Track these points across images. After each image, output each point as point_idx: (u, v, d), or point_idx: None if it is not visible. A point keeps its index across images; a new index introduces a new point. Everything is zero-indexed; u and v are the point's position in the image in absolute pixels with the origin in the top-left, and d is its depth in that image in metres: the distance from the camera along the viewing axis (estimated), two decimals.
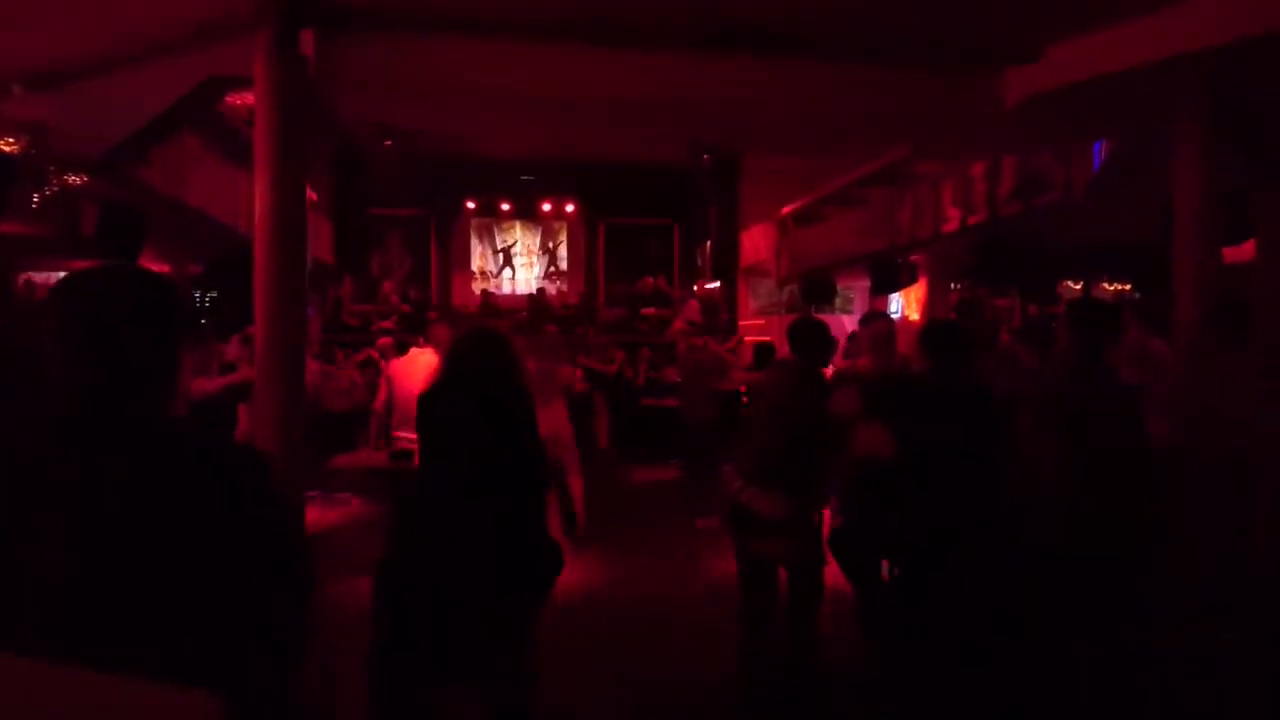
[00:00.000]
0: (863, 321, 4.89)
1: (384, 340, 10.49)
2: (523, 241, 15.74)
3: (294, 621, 1.49)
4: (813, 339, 4.05)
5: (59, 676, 1.12)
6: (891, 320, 4.93)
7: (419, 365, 5.78)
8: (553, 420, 6.27)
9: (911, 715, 3.66)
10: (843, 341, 6.10)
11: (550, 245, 15.78)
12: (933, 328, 4.10)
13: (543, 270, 15.71)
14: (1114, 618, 3.40)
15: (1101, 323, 3.59)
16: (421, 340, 6.14)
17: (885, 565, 4.15)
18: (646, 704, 4.08)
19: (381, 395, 6.84)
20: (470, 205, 14.90)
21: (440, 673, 2.87)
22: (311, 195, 7.47)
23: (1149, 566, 3.49)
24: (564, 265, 15.74)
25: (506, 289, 15.36)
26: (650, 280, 14.36)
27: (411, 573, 2.85)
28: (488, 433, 2.89)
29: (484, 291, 14.74)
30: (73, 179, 6.51)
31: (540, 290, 14.79)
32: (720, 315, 12.87)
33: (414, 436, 5.63)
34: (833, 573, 4.03)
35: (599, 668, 4.52)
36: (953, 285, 10.41)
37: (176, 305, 1.45)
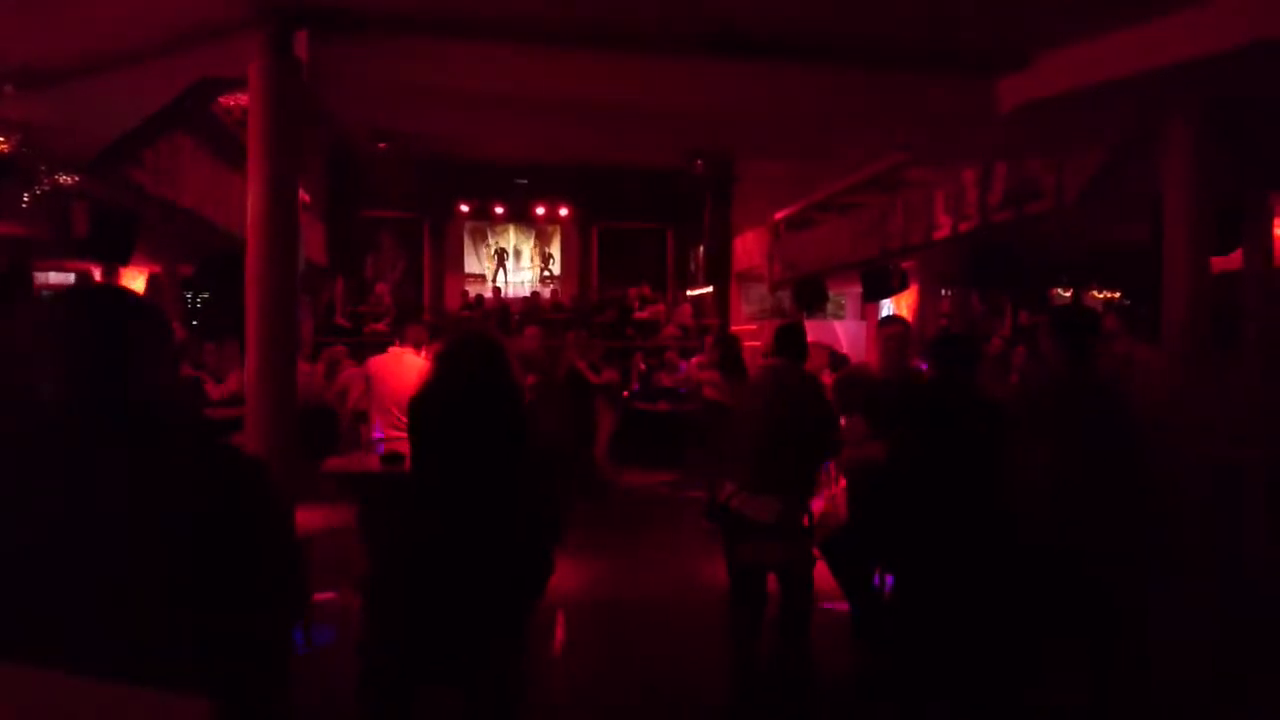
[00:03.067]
0: (880, 325, 4.94)
1: (338, 349, 10.33)
2: (516, 245, 15.74)
3: (285, 624, 1.49)
4: (802, 342, 4.10)
5: (48, 682, 1.12)
6: (907, 325, 4.95)
7: (403, 365, 5.75)
8: None
9: (903, 717, 3.67)
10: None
11: (544, 249, 15.79)
12: (941, 339, 4.13)
13: (536, 274, 15.72)
14: (1109, 621, 3.41)
15: (1084, 328, 3.61)
16: (398, 341, 6.09)
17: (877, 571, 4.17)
18: (637, 706, 4.07)
19: (355, 393, 6.75)
20: (464, 208, 14.89)
21: (431, 672, 2.87)
22: (305, 197, 7.45)
23: (1144, 570, 3.49)
24: (557, 269, 15.75)
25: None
26: (634, 291, 14.33)
27: (403, 574, 2.84)
28: (479, 435, 2.89)
29: (463, 293, 14.76)
30: (64, 179, 6.48)
31: (495, 290, 14.75)
32: (705, 320, 12.91)
33: (399, 437, 5.61)
34: (823, 576, 4.03)
35: (590, 670, 4.51)
36: (944, 291, 10.45)
37: (159, 320, 1.49)
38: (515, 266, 15.72)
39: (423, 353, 5.83)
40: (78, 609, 1.25)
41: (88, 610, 1.26)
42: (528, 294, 15.03)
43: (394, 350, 6.02)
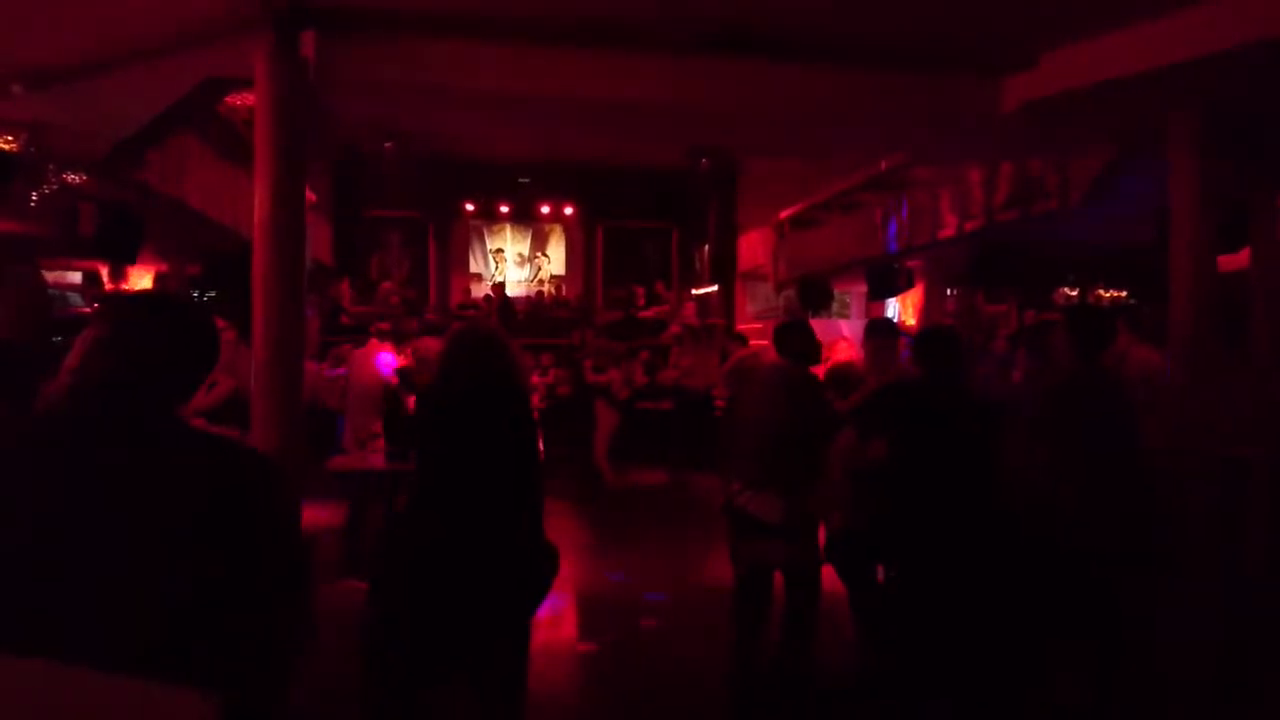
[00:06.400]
0: (871, 332, 4.90)
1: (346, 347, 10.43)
2: (520, 244, 15.74)
3: (290, 622, 1.50)
4: (805, 341, 4.09)
5: (56, 675, 1.13)
6: (894, 328, 4.95)
7: (376, 361, 5.73)
8: None
9: (905, 716, 3.67)
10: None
11: (548, 248, 15.78)
12: (927, 335, 4.11)
13: (540, 272, 15.71)
14: (1115, 622, 3.41)
15: (1099, 328, 3.61)
16: (376, 337, 6.07)
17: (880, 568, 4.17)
18: (640, 705, 4.08)
19: (338, 390, 6.78)
20: (469, 207, 14.90)
21: (435, 672, 2.88)
22: (311, 196, 7.46)
23: (1150, 570, 3.49)
24: (562, 268, 15.74)
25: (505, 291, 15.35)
26: (640, 289, 14.31)
27: (408, 573, 2.85)
28: (485, 433, 2.90)
29: (465, 290, 14.74)
30: (72, 178, 6.51)
31: (498, 286, 14.70)
32: (710, 320, 12.89)
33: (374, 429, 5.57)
34: (827, 575, 4.03)
35: (593, 668, 4.53)
36: (949, 291, 10.43)
37: (212, 333, 1.55)
38: (513, 265, 15.66)
39: (408, 349, 5.79)
40: (79, 608, 1.26)
41: (89, 610, 1.26)
42: (526, 294, 14.97)
43: (373, 344, 5.90)
